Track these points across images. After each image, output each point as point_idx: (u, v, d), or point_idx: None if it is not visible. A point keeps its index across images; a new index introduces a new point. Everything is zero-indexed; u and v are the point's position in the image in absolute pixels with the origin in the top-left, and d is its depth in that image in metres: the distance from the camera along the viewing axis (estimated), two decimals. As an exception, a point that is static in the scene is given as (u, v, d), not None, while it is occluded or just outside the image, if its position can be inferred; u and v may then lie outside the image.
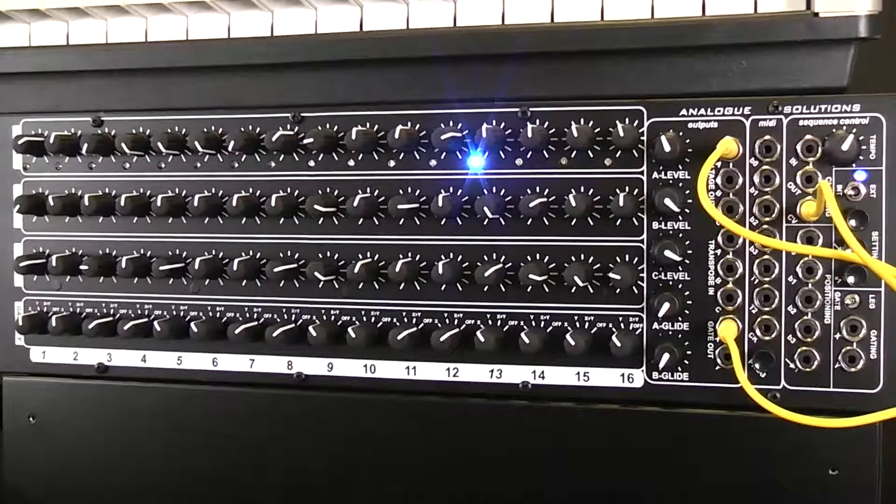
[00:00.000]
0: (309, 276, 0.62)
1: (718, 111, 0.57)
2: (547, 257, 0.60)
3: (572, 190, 0.59)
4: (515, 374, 0.61)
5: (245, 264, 0.63)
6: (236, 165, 0.65)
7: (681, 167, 0.58)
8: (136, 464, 0.69)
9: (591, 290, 0.60)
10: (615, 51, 0.59)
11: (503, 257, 0.61)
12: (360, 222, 0.63)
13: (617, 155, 0.59)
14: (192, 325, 0.65)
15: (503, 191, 0.60)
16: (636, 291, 0.59)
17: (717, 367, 0.58)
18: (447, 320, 0.62)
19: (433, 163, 0.62)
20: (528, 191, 0.60)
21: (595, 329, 0.60)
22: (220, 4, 0.65)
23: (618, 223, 0.59)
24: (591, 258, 0.59)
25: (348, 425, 0.65)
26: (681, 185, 0.58)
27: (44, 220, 0.69)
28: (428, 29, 0.62)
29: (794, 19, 0.56)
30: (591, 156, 0.59)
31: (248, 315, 0.66)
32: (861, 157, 0.55)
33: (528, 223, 0.60)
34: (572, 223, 0.59)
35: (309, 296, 0.64)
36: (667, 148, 0.56)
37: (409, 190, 0.62)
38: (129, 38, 0.67)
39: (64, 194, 0.68)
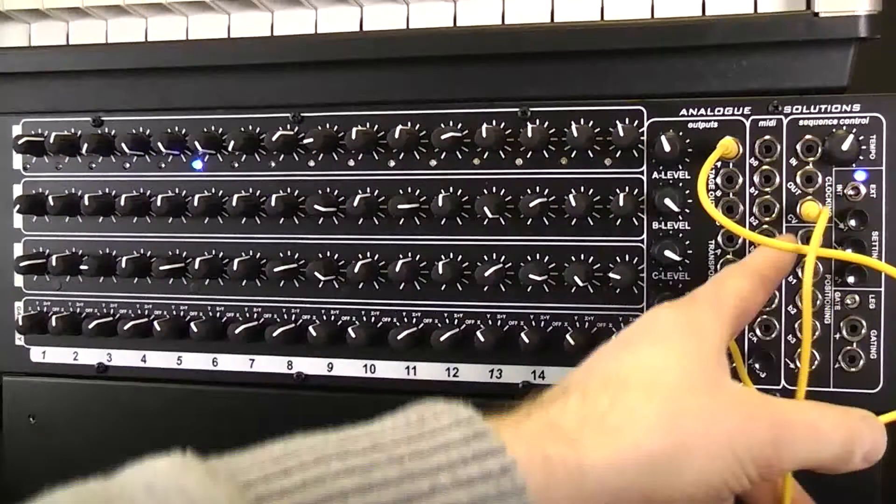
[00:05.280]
0: (309, 276, 0.62)
1: (718, 111, 0.57)
2: (547, 257, 0.60)
3: (572, 190, 0.59)
4: (515, 373, 0.61)
5: (245, 264, 0.63)
6: (236, 165, 0.65)
7: (681, 167, 0.58)
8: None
9: (591, 290, 0.60)
10: (615, 51, 0.59)
11: (503, 257, 0.61)
12: (360, 222, 0.63)
13: (617, 155, 0.59)
14: (192, 325, 0.65)
15: (503, 191, 0.60)
16: (636, 291, 0.59)
17: (717, 367, 0.58)
18: (447, 320, 0.62)
19: (433, 163, 0.62)
20: (528, 191, 0.60)
21: (595, 329, 0.60)
22: (220, 4, 0.65)
23: (618, 223, 0.59)
24: (591, 258, 0.59)
25: (348, 425, 0.65)
26: (681, 185, 0.58)
27: (44, 220, 0.69)
28: (428, 29, 0.62)
29: (794, 19, 0.56)
30: (591, 156, 0.59)
31: (248, 315, 0.66)
32: (861, 157, 0.55)
33: (528, 223, 0.60)
34: (572, 223, 0.59)
35: (309, 296, 0.64)
36: (667, 148, 0.56)
37: (409, 190, 0.62)
38: (129, 38, 0.67)
39: (64, 194, 0.68)
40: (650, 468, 0.40)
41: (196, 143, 0.64)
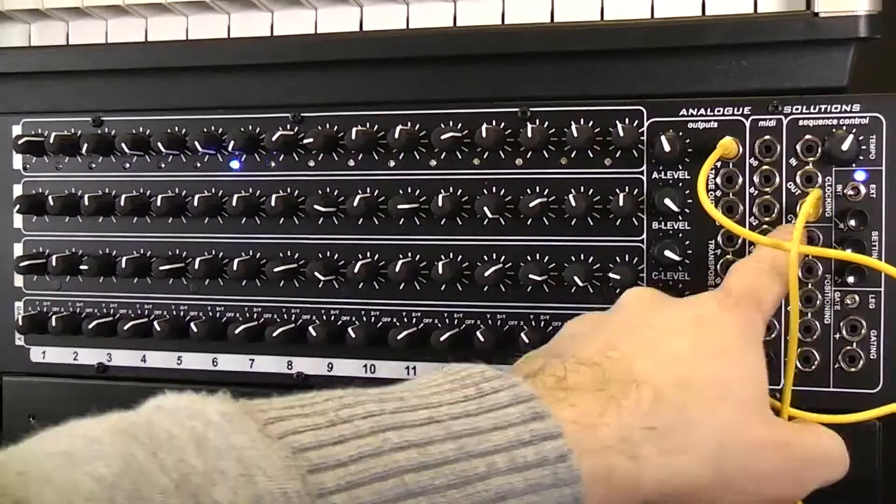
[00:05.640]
0: (309, 276, 0.62)
1: (718, 111, 0.57)
2: (547, 257, 0.60)
3: (572, 190, 0.59)
4: (515, 374, 0.61)
5: (245, 264, 0.63)
6: (236, 165, 0.65)
7: (681, 167, 0.58)
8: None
9: (591, 290, 0.60)
10: (615, 51, 0.59)
11: (503, 257, 0.61)
12: (360, 222, 0.63)
13: (617, 155, 0.59)
14: (192, 325, 0.65)
15: (503, 191, 0.60)
16: (636, 291, 0.59)
17: (717, 367, 0.58)
18: (447, 320, 0.62)
19: (433, 163, 0.62)
20: (528, 191, 0.60)
21: (595, 329, 0.60)
22: (220, 4, 0.65)
23: (618, 223, 0.59)
24: (591, 258, 0.59)
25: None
26: (681, 185, 0.58)
27: (44, 220, 0.69)
28: (428, 29, 0.62)
29: (794, 19, 0.56)
30: (591, 156, 0.59)
31: (248, 315, 0.66)
32: (861, 157, 0.55)
33: (528, 223, 0.60)
34: (572, 223, 0.59)
35: (309, 296, 0.64)
36: (667, 148, 0.56)
37: (409, 190, 0.62)
38: (129, 38, 0.67)
39: (64, 194, 0.68)
40: (690, 497, 0.41)
41: (196, 143, 0.64)
